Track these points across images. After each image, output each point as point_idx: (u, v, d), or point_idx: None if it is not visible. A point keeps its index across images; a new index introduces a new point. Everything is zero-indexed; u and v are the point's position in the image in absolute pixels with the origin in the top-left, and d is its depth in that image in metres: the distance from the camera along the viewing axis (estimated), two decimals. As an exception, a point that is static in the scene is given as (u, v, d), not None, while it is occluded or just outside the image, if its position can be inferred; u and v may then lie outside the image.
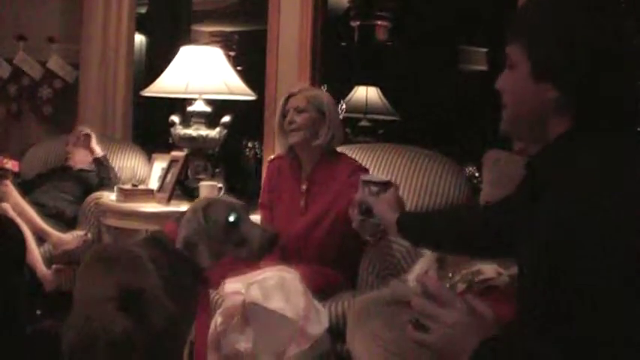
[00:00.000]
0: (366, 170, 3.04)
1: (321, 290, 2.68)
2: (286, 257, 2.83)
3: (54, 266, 3.72)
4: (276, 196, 3.07)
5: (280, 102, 3.09)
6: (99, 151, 4.37)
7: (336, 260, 2.87)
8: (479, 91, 6.21)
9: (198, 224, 2.13)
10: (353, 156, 3.35)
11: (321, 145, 2.95)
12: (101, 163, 4.33)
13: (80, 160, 4.41)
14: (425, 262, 2.42)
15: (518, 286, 1.37)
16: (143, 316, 1.88)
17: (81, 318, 1.88)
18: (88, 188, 4.22)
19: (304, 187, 2.99)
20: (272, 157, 3.22)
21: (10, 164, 3.96)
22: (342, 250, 2.86)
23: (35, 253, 3.70)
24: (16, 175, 4.03)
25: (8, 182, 3.88)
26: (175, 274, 2.09)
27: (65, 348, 1.86)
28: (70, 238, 3.89)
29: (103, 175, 4.29)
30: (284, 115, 3.01)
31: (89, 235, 3.93)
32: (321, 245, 2.87)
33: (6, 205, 3.70)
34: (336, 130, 2.99)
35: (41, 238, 3.84)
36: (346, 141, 3.49)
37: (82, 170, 4.38)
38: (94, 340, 1.80)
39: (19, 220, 3.63)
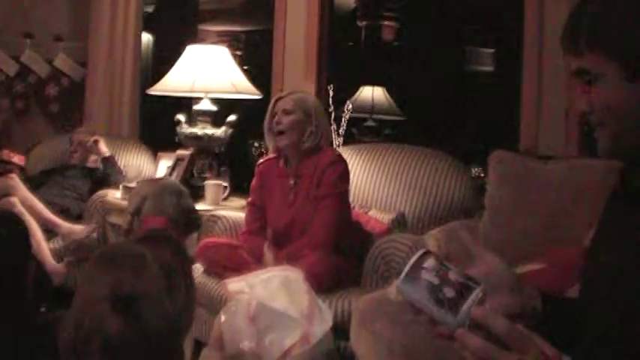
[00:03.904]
0: (344, 161, 3.09)
1: (331, 276, 2.76)
2: (278, 244, 3.01)
3: (66, 259, 3.74)
4: (267, 195, 3.19)
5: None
6: (106, 150, 4.39)
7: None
8: (485, 92, 6.20)
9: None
10: (359, 156, 3.43)
11: (308, 147, 3.07)
12: (108, 161, 4.35)
13: (85, 158, 4.43)
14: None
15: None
16: (138, 316, 1.87)
17: (76, 317, 1.88)
18: (93, 186, 4.23)
19: (292, 181, 3.11)
20: (261, 160, 3.34)
21: (17, 158, 3.98)
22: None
23: (44, 247, 3.71)
24: (21, 170, 4.03)
25: (14, 175, 3.89)
26: (179, 271, 2.09)
27: (61, 347, 1.85)
28: (80, 228, 3.91)
29: (109, 172, 4.30)
30: (273, 117, 3.14)
31: (95, 231, 3.93)
32: (306, 230, 2.99)
33: (14, 200, 3.71)
34: (323, 130, 3.14)
35: (50, 231, 3.86)
36: (352, 141, 3.52)
37: (86, 168, 4.39)
38: (88, 340, 1.80)
39: (27, 214, 3.64)
